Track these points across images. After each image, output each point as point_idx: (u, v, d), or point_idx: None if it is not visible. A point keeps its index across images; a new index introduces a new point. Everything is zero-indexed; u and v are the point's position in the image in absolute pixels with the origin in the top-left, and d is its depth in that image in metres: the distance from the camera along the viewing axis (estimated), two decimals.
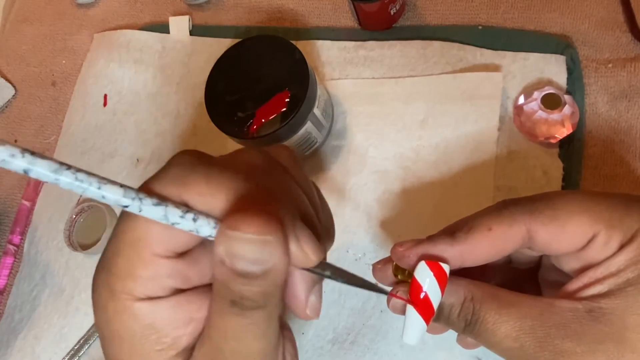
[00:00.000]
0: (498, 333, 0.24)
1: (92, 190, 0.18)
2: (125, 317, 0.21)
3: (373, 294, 0.41)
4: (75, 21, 0.61)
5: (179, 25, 0.56)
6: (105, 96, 0.56)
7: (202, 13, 0.56)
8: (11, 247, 0.52)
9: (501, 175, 0.42)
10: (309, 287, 0.23)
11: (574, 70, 0.43)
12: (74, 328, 0.48)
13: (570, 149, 0.42)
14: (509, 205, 0.26)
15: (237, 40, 0.43)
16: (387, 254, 0.29)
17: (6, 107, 0.60)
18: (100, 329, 0.22)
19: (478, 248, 0.26)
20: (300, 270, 0.22)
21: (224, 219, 0.19)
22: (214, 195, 0.20)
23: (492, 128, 0.43)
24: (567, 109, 0.41)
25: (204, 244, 0.22)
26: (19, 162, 0.16)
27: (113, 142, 0.54)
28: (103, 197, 0.18)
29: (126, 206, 0.19)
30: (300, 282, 0.23)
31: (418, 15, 0.49)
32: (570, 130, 0.41)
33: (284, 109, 0.40)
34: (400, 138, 0.45)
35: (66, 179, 0.17)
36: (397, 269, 0.28)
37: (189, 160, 0.21)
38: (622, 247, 0.24)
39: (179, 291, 0.22)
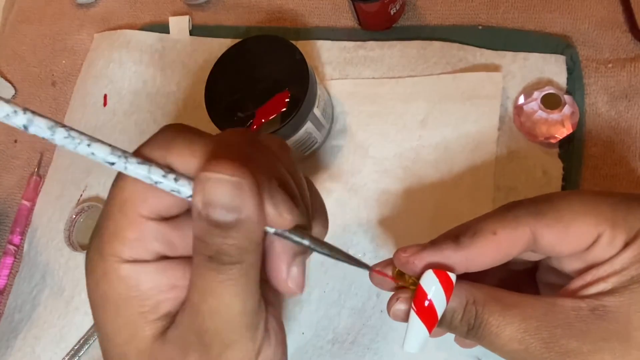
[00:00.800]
0: (502, 336, 0.24)
1: (83, 147, 0.19)
2: (112, 278, 0.22)
3: (373, 295, 0.41)
4: (75, 21, 0.61)
5: (179, 25, 0.56)
6: (105, 96, 0.56)
7: (202, 13, 0.56)
8: (11, 247, 0.52)
9: (501, 175, 0.42)
10: (289, 258, 0.23)
11: (574, 70, 0.43)
12: (74, 328, 0.48)
13: (570, 149, 0.42)
14: (512, 208, 0.26)
15: (237, 40, 0.43)
16: (387, 254, 0.28)
17: None
18: (89, 294, 0.23)
19: (483, 253, 0.25)
20: (281, 241, 0.23)
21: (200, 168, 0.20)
22: (194, 157, 0.21)
23: (492, 128, 0.43)
24: (567, 109, 0.41)
25: (190, 214, 0.22)
26: (20, 118, 0.18)
27: (113, 142, 0.53)
28: (92, 153, 0.20)
29: (112, 163, 0.20)
30: (280, 253, 0.23)
31: (418, 15, 0.49)
32: (570, 130, 0.41)
33: (284, 109, 0.40)
34: (400, 138, 0.45)
35: (60, 135, 0.19)
36: (399, 275, 0.27)
37: (175, 128, 0.22)
38: (626, 245, 0.24)
39: (164, 258, 0.22)
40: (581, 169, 0.41)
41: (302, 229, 0.23)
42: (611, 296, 0.24)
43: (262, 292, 0.23)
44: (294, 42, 0.42)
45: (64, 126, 0.19)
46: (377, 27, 0.50)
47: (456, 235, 0.26)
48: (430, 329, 0.25)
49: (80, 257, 0.50)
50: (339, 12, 0.52)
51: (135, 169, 0.20)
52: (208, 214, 0.20)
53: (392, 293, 0.27)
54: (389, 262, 0.28)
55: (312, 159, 0.47)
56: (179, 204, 0.22)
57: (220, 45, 0.53)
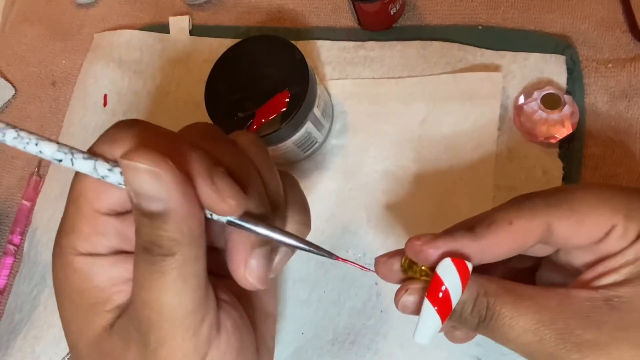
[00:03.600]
0: (516, 327, 0.24)
1: (31, 146, 0.20)
2: (68, 271, 0.22)
3: (373, 295, 0.41)
4: (75, 21, 0.61)
5: (179, 25, 0.56)
6: (105, 96, 0.56)
7: (202, 13, 0.56)
8: (11, 247, 0.52)
9: (501, 174, 0.42)
10: (246, 250, 0.22)
11: (574, 70, 0.43)
12: None
13: (570, 148, 0.42)
14: (527, 199, 0.26)
15: (237, 40, 0.43)
16: None
17: (6, 107, 0.60)
18: (53, 285, 0.23)
19: (499, 243, 0.25)
20: (238, 233, 0.22)
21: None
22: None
23: (492, 128, 0.43)
24: (567, 109, 0.41)
25: None
26: None
27: None
28: (40, 152, 0.20)
29: (60, 160, 0.21)
30: (237, 244, 0.22)
31: (418, 15, 0.49)
32: (570, 130, 0.41)
33: (284, 109, 0.40)
34: (400, 138, 0.45)
35: (10, 136, 0.20)
36: (410, 265, 0.26)
37: (126, 122, 0.23)
38: (638, 237, 0.24)
39: (120, 252, 0.23)
40: (581, 169, 0.41)
41: (259, 218, 0.23)
42: (625, 287, 0.23)
43: (217, 290, 0.23)
44: (294, 42, 0.42)
45: (14, 127, 0.20)
46: (377, 27, 0.50)
47: (470, 226, 0.25)
48: (443, 319, 0.25)
49: None
50: (339, 12, 0.52)
51: (82, 165, 0.21)
52: (138, 203, 0.20)
53: (398, 286, 0.26)
54: (395, 253, 0.27)
55: (312, 159, 0.47)
56: None
57: (220, 45, 0.53)
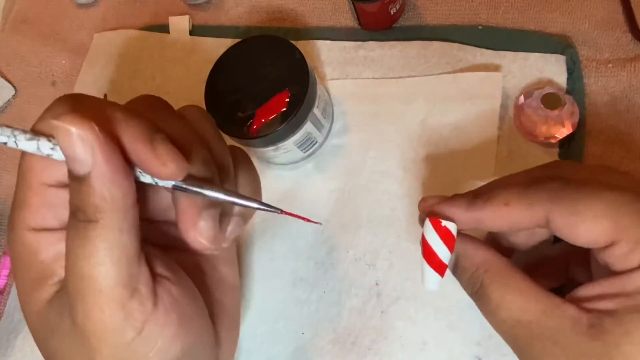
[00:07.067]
0: (497, 315, 0.25)
1: None
2: (19, 246, 0.23)
3: (374, 295, 0.41)
4: (75, 21, 0.61)
5: (179, 25, 0.56)
6: (105, 96, 0.56)
7: (202, 13, 0.56)
8: None
9: (501, 174, 0.41)
10: (194, 212, 0.23)
11: (574, 70, 0.43)
12: None
13: (570, 149, 0.42)
14: (536, 183, 0.26)
15: (237, 40, 0.43)
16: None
17: (6, 107, 0.60)
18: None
19: (492, 219, 0.26)
20: (186, 197, 0.23)
21: None
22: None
23: (492, 128, 0.43)
24: (567, 109, 0.41)
25: None
26: None
27: None
28: None
29: (5, 143, 0.21)
30: (185, 208, 0.23)
31: (418, 15, 0.50)
32: (570, 130, 0.41)
33: (284, 109, 0.40)
34: (400, 138, 0.45)
35: None
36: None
37: (65, 96, 0.23)
38: None
39: None
40: None
41: (204, 181, 0.23)
42: (611, 318, 0.22)
43: (155, 265, 0.23)
44: (294, 42, 0.42)
45: None
46: (377, 27, 0.50)
47: (476, 194, 0.27)
48: (441, 274, 0.27)
49: None
50: (339, 12, 0.52)
51: (26, 145, 0.21)
52: (68, 167, 0.20)
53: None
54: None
55: (312, 159, 0.47)
56: None
57: (220, 45, 0.53)
